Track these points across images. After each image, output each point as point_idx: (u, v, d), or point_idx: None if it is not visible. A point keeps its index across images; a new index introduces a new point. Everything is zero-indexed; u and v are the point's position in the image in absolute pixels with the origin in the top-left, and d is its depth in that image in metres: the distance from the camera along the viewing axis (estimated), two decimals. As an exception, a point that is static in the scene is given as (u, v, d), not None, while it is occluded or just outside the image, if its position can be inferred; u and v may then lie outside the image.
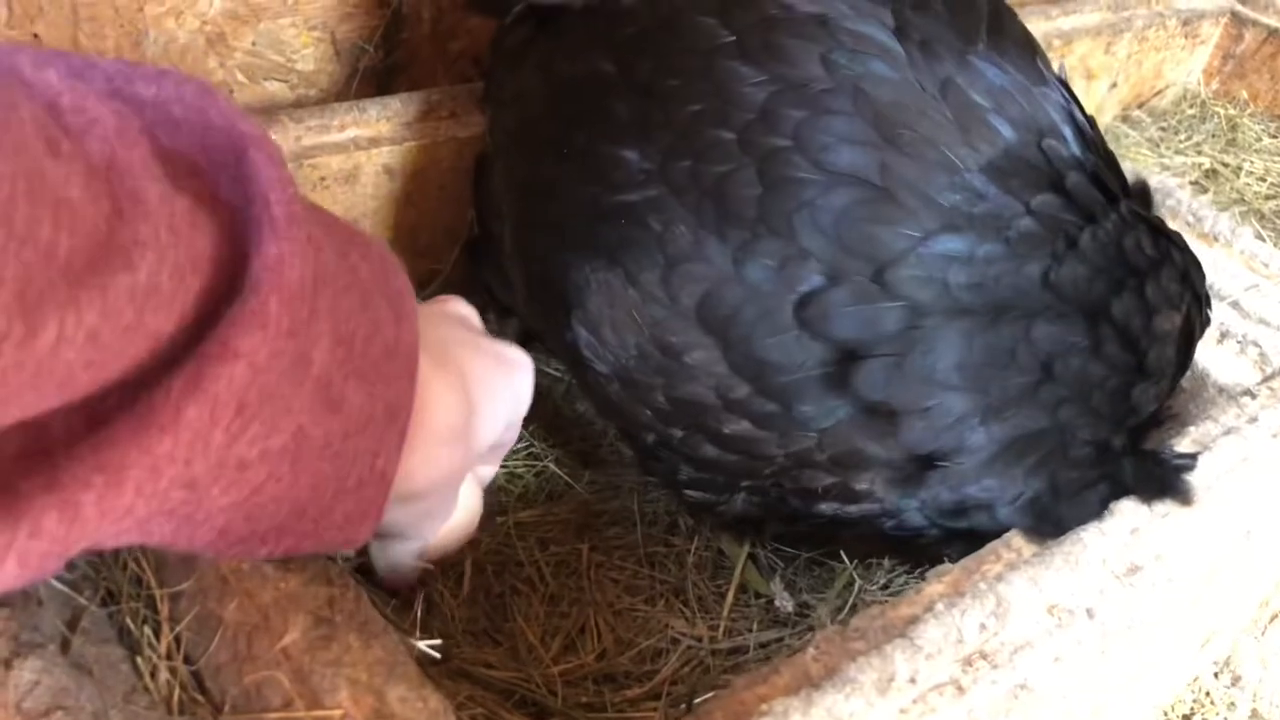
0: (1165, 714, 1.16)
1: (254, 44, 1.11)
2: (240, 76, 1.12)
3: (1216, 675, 1.21)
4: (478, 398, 0.62)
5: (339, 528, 0.54)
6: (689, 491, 0.83)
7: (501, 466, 1.03)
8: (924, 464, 0.76)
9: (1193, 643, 0.98)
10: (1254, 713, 1.19)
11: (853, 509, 0.79)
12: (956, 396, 0.74)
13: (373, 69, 1.20)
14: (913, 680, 0.62)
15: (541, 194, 0.83)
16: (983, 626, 0.66)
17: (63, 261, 0.34)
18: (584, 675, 0.85)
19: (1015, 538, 0.75)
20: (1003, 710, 0.65)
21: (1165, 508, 0.77)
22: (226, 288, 0.42)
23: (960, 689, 0.64)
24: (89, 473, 0.37)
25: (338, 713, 0.53)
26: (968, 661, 0.65)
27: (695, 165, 0.74)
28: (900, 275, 0.72)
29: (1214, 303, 1.00)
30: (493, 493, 1.01)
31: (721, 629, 0.89)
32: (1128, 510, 0.76)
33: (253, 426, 0.43)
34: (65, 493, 0.37)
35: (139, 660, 0.56)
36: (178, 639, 0.57)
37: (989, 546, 0.74)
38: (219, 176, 0.44)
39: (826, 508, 0.79)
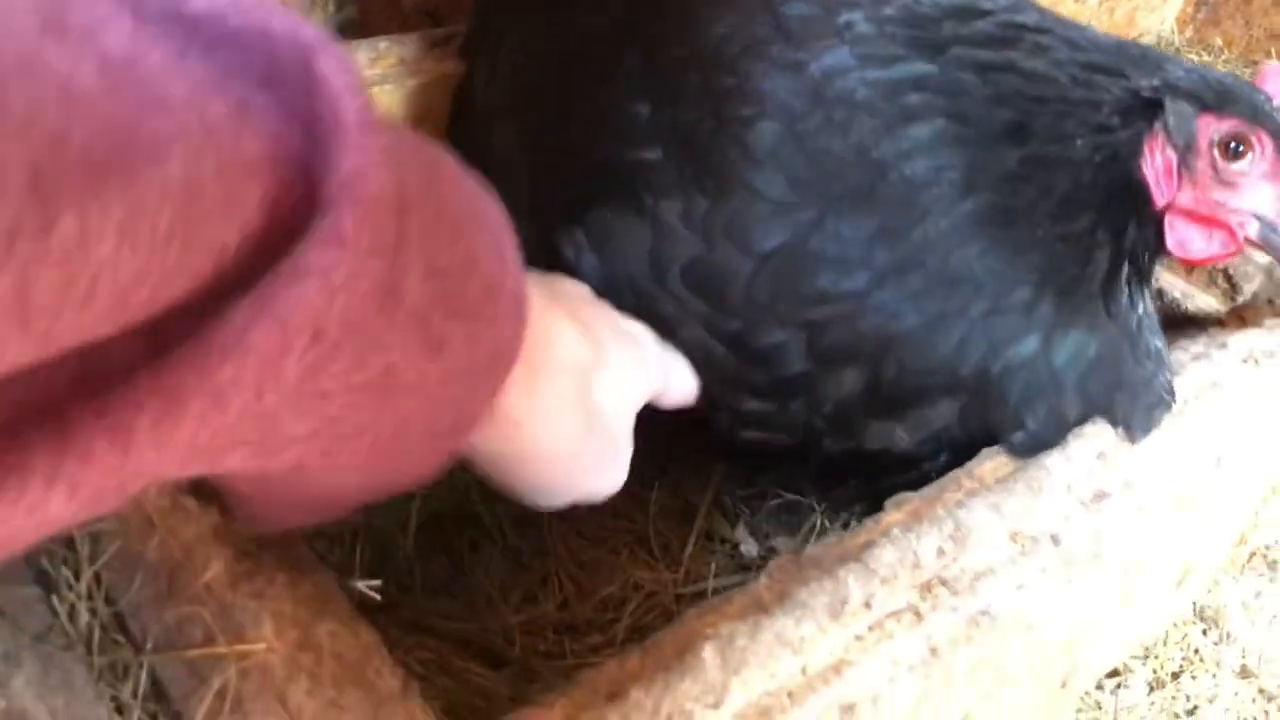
0: (1155, 671, 1.15)
1: None
2: (185, 32, 1.09)
3: (1205, 633, 1.20)
4: (604, 355, 0.60)
5: (415, 466, 0.51)
6: (746, 432, 0.80)
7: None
8: None
9: (1168, 579, 0.96)
10: (1243, 669, 1.18)
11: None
12: None
13: (324, 23, 1.17)
14: (868, 605, 0.60)
15: (553, 147, 0.81)
16: (941, 551, 0.64)
17: (77, 152, 0.31)
18: (544, 625, 0.83)
19: (979, 465, 0.73)
20: (964, 638, 0.63)
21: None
22: (306, 210, 0.39)
23: (918, 615, 0.62)
24: (143, 398, 0.34)
25: (260, 646, 0.51)
26: (926, 588, 0.63)
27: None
28: None
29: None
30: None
31: (684, 574, 0.87)
32: (1093, 435, 0.74)
33: (337, 359, 0.40)
34: (116, 419, 0.34)
35: (55, 600, 0.54)
36: (97, 578, 0.55)
37: (951, 474, 0.71)
38: (285, 88, 0.41)
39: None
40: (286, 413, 0.40)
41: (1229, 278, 0.95)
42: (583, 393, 0.58)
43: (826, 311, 0.71)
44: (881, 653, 0.60)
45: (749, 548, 0.89)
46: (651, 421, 0.66)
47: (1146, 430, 0.75)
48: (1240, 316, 0.91)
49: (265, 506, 0.50)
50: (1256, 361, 0.85)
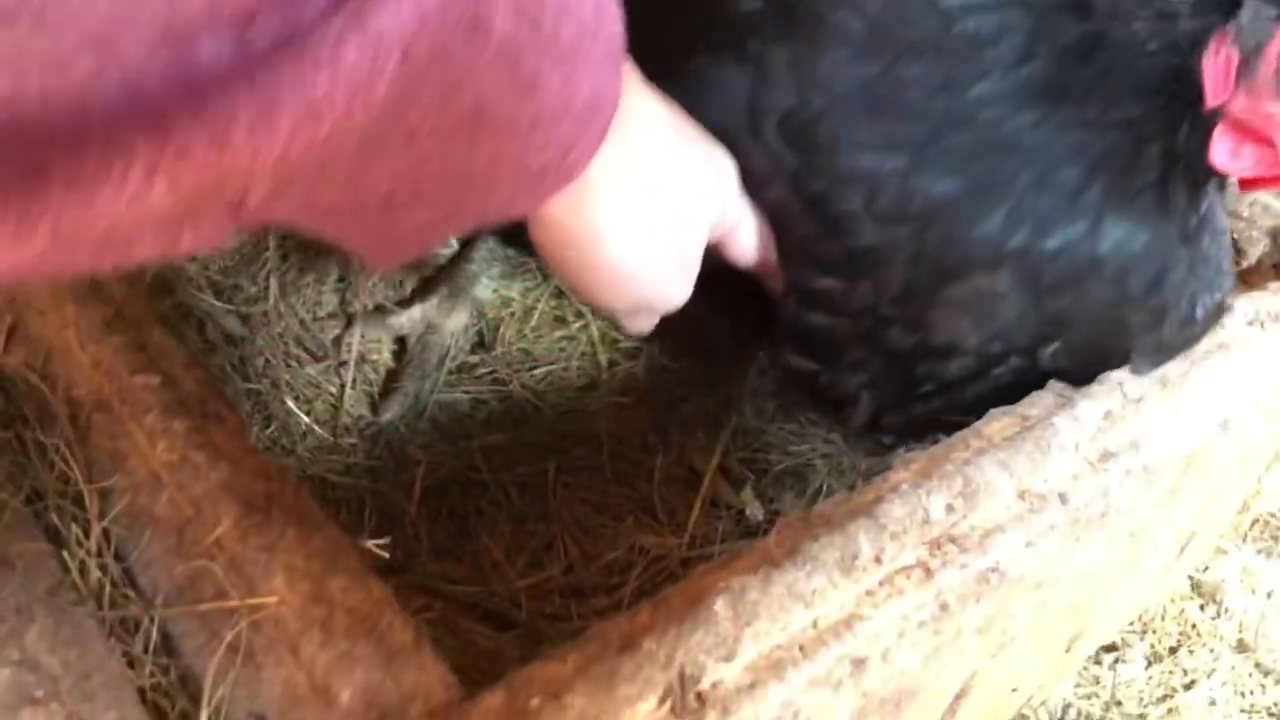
0: (1152, 646, 1.16)
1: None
2: None
3: (1202, 608, 1.20)
4: (688, 151, 0.59)
5: (502, 206, 0.51)
6: (794, 358, 0.80)
7: (465, 392, 1.01)
8: None
9: (1173, 543, 0.96)
10: (1240, 643, 1.19)
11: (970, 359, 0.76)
12: None
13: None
14: (878, 560, 0.60)
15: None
16: (950, 508, 0.64)
17: None
18: (550, 589, 0.83)
19: (987, 425, 0.73)
20: (973, 595, 0.63)
21: (1140, 391, 0.75)
22: None
23: (928, 571, 0.62)
24: (239, 101, 0.35)
25: (272, 599, 0.51)
26: (936, 544, 0.63)
27: None
28: None
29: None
30: (456, 419, 0.99)
31: (689, 539, 0.87)
32: (1101, 395, 0.74)
33: (425, 88, 0.40)
34: (214, 118, 0.34)
35: (66, 555, 0.54)
36: (107, 535, 0.55)
37: (958, 434, 0.71)
38: None
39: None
40: (375, 146, 0.40)
41: (1234, 243, 0.95)
42: (663, 176, 0.58)
43: (887, 165, 0.71)
44: (892, 608, 0.60)
45: (755, 512, 0.89)
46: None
47: (1171, 350, 0.74)
48: (1245, 281, 0.91)
49: (360, 245, 0.50)
50: (1262, 324, 0.84)
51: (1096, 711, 1.09)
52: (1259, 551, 1.25)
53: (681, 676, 0.52)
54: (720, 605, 0.53)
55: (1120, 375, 0.75)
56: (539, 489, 0.93)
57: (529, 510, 0.92)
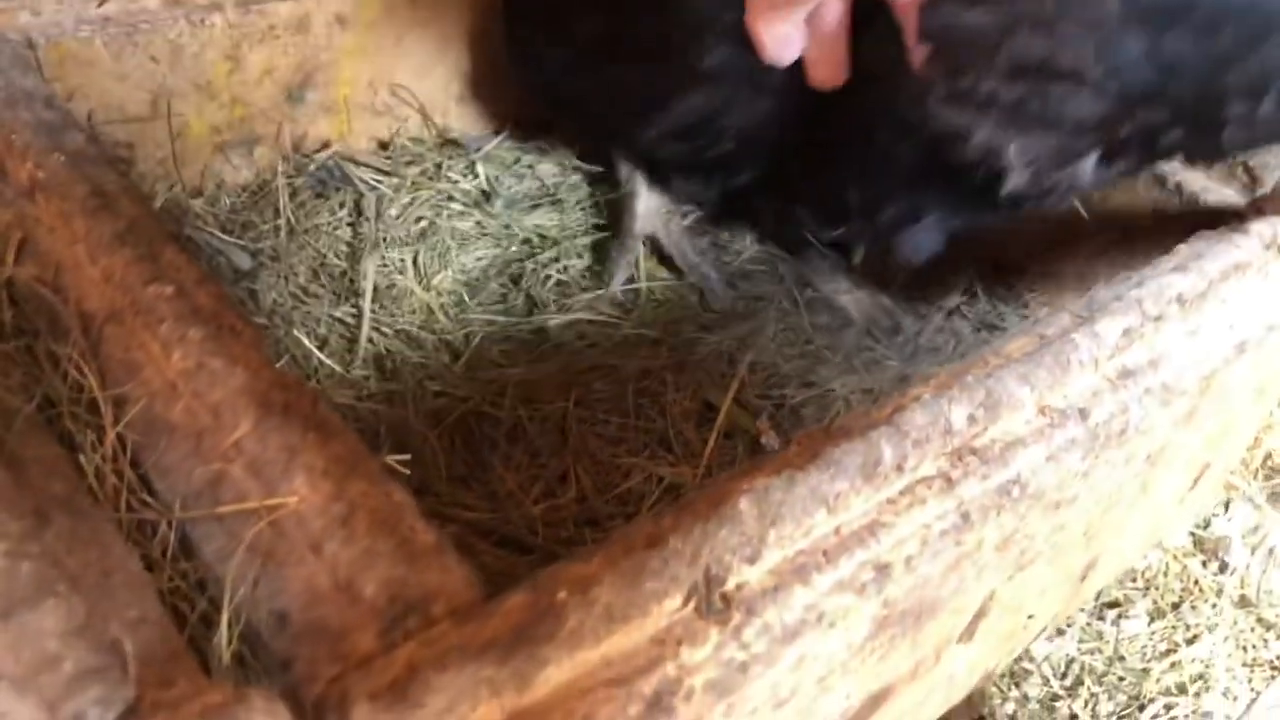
0: (1155, 602, 1.16)
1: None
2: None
3: (1204, 564, 1.21)
4: None
5: None
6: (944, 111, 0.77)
7: (489, 325, 1.00)
8: None
9: (1187, 473, 0.96)
10: (1242, 599, 1.20)
11: None
12: None
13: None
14: (899, 468, 0.59)
15: None
16: (971, 419, 0.63)
17: None
18: (564, 516, 0.83)
19: (1006, 345, 0.72)
20: (994, 506, 0.63)
21: (1158, 309, 0.74)
22: None
23: (950, 481, 0.61)
24: None
25: (293, 499, 0.50)
26: (957, 455, 0.63)
27: None
28: None
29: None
30: (477, 351, 0.98)
31: (704, 468, 0.86)
32: (1119, 312, 0.73)
33: None
34: None
35: (82, 460, 0.53)
36: (122, 441, 0.54)
37: (977, 352, 0.71)
38: None
39: None
40: None
41: (1249, 170, 0.94)
42: None
43: None
44: (914, 516, 0.59)
45: (770, 441, 0.88)
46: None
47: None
48: (1259, 209, 0.90)
49: None
50: (1279, 248, 0.84)
51: (1100, 666, 1.10)
52: (1267, 499, 1.26)
53: (707, 576, 0.52)
54: (745, 504, 0.53)
55: (1139, 293, 0.75)
56: (556, 423, 0.93)
57: (544, 444, 0.91)
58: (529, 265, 1.05)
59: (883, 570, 0.58)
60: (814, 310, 1.05)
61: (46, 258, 0.63)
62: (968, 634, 0.76)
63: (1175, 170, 0.96)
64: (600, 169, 1.12)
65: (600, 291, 1.03)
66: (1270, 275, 0.82)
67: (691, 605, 0.51)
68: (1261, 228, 0.84)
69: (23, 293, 0.62)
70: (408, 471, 0.59)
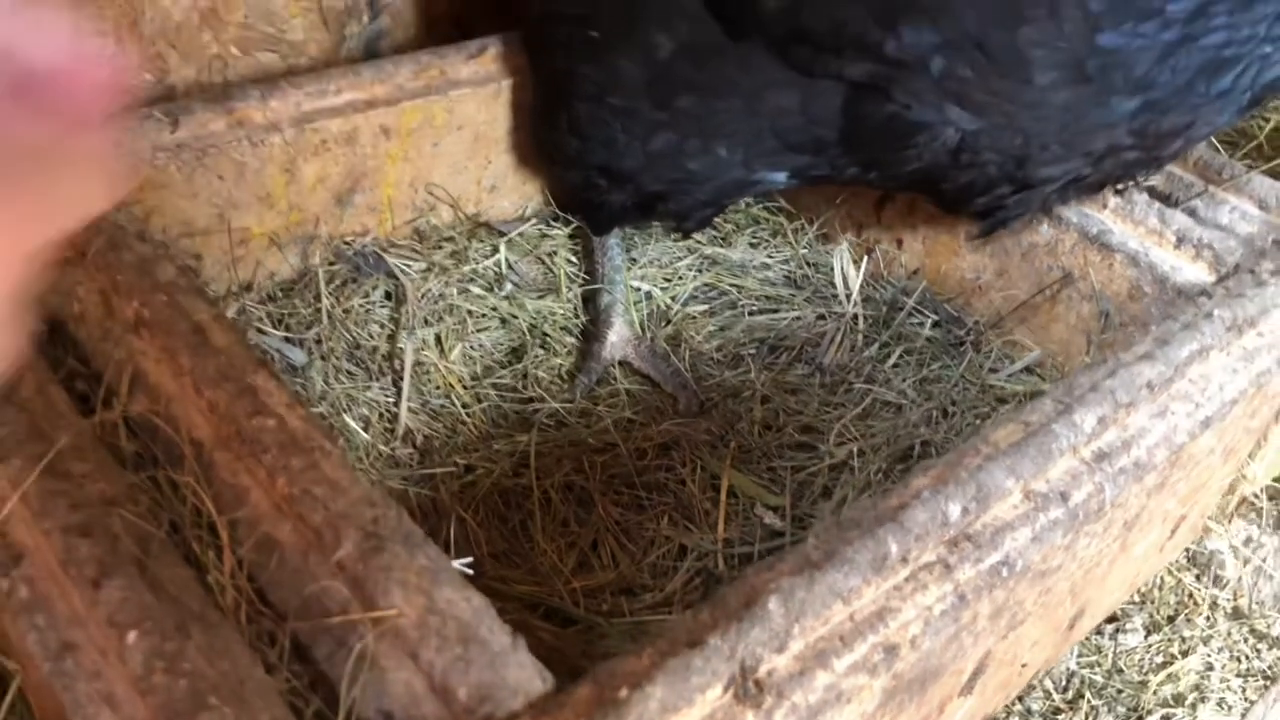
0: (1151, 616, 1.24)
1: (245, 17, 1.15)
2: (234, 50, 1.16)
3: (1198, 578, 1.28)
4: None
5: None
6: None
7: (497, 402, 1.09)
8: None
9: (1163, 527, 1.05)
10: (1235, 610, 1.26)
11: None
12: None
13: (358, 35, 1.24)
14: (904, 560, 0.69)
15: None
16: (965, 510, 0.72)
17: None
18: (602, 588, 0.92)
19: (994, 432, 0.81)
20: (987, 585, 0.72)
21: (1130, 397, 0.83)
22: None
23: (948, 567, 0.71)
24: None
25: (393, 612, 0.60)
26: (953, 543, 0.72)
27: None
28: None
29: (1171, 212, 1.07)
30: (489, 425, 1.07)
31: (722, 539, 0.95)
32: (1094, 402, 0.82)
33: None
34: None
35: (210, 580, 0.62)
36: (239, 560, 0.63)
37: (969, 441, 0.80)
38: None
39: None
40: None
41: (1214, 250, 1.03)
42: None
43: None
44: (917, 600, 0.68)
45: (772, 520, 0.98)
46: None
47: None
48: (1225, 287, 1.00)
49: None
50: (1240, 330, 0.93)
51: (1099, 680, 1.16)
52: (1251, 523, 1.33)
53: (742, 667, 0.61)
54: (774, 604, 0.62)
55: (1111, 383, 0.84)
56: (578, 495, 1.02)
57: (570, 513, 1.01)
58: (530, 349, 1.14)
59: (891, 650, 0.67)
60: (781, 384, 1.14)
61: (156, 391, 0.72)
62: (967, 689, 0.85)
63: (1147, 250, 1.06)
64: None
65: (572, 394, 1.12)
66: (1233, 353, 0.91)
67: (730, 693, 0.61)
68: (1223, 312, 0.93)
69: (139, 424, 0.71)
70: (471, 572, 0.69)
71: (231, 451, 0.68)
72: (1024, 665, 0.98)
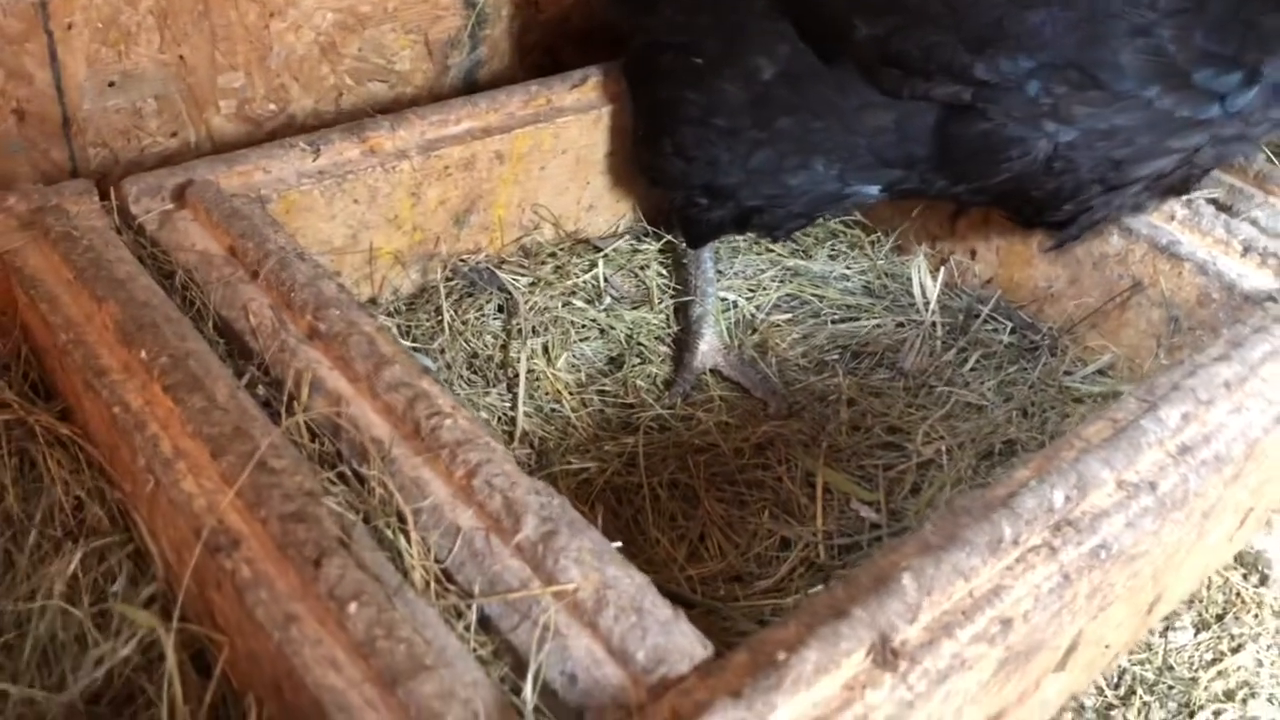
0: (1200, 615, 1.29)
1: (359, 50, 1.24)
2: (348, 80, 1.25)
3: (1245, 577, 1.33)
4: None
5: None
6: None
7: (601, 408, 1.17)
8: None
9: (1234, 517, 1.11)
10: None
11: None
12: None
13: (460, 64, 1.33)
14: (1016, 542, 0.76)
15: None
16: (1068, 498, 0.79)
17: None
18: (714, 576, 0.99)
19: (1086, 428, 0.88)
20: (1087, 566, 0.79)
21: (1210, 395, 0.90)
22: None
23: (1053, 550, 0.78)
24: None
25: (571, 586, 0.67)
26: (1057, 528, 0.79)
27: None
28: None
29: (1235, 222, 1.14)
30: (596, 429, 1.15)
31: (822, 531, 1.03)
32: (1177, 400, 0.89)
33: None
34: None
35: (403, 559, 0.70)
36: (426, 543, 0.71)
37: (1063, 437, 0.87)
38: None
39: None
40: None
41: (1278, 257, 1.10)
42: None
43: None
44: (1028, 579, 0.76)
45: (868, 513, 1.05)
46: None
47: None
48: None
49: None
50: (1307, 331, 1.00)
51: (1150, 676, 1.20)
52: None
53: (881, 635, 0.68)
54: (907, 580, 0.70)
55: (1192, 382, 0.91)
56: (683, 491, 1.10)
57: (678, 509, 1.08)
58: (629, 358, 1.22)
59: (1006, 623, 0.74)
60: (866, 388, 1.22)
61: (332, 395, 0.80)
62: (1061, 665, 0.92)
63: (1214, 258, 1.13)
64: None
65: (670, 401, 1.20)
66: (1302, 354, 0.98)
67: (871, 658, 0.68)
68: (1292, 315, 1.00)
69: (321, 425, 0.79)
70: (621, 544, 0.77)
71: (411, 448, 0.76)
72: (1107, 646, 1.05)
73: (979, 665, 0.73)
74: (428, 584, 0.70)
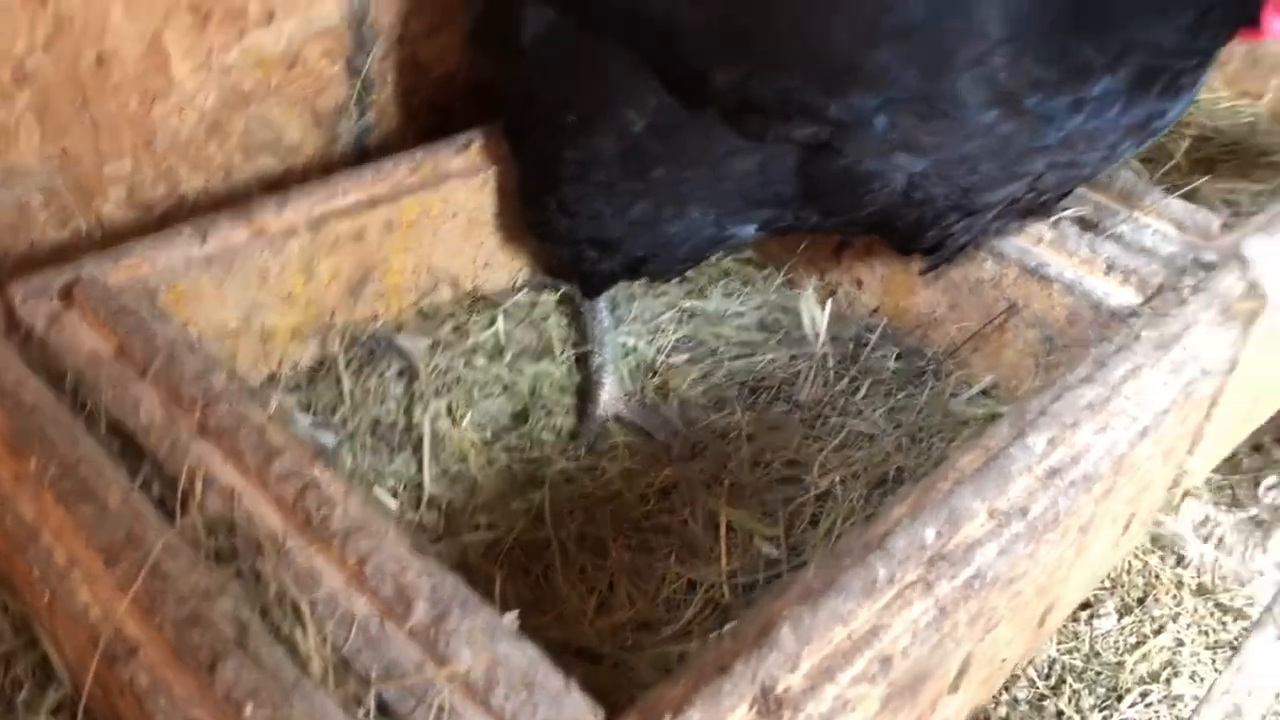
0: (1122, 599, 1.34)
1: (246, 126, 1.25)
2: (237, 157, 1.26)
3: (1162, 559, 1.38)
4: None
5: None
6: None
7: (505, 464, 1.19)
8: None
9: (1114, 526, 1.17)
10: (1200, 587, 1.37)
11: None
12: None
13: (349, 131, 1.35)
14: (891, 581, 0.80)
15: None
16: (939, 534, 0.84)
17: None
18: (622, 624, 1.02)
19: (960, 459, 0.92)
20: (963, 597, 0.83)
21: (1074, 418, 0.95)
22: None
23: (928, 584, 0.82)
24: None
25: (464, 668, 0.70)
26: (931, 563, 0.83)
27: None
28: None
29: (1099, 240, 1.19)
30: (502, 486, 1.17)
31: (726, 571, 1.06)
32: (1044, 425, 0.94)
33: None
34: None
35: (300, 651, 0.72)
36: (322, 633, 0.74)
37: (939, 469, 0.91)
38: None
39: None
40: None
41: (1139, 274, 1.16)
42: None
43: None
44: (904, 616, 0.80)
45: (770, 550, 1.09)
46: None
47: None
48: (1151, 307, 1.12)
49: None
50: (1167, 346, 1.05)
51: (1079, 664, 1.24)
52: (1204, 504, 1.44)
53: (763, 687, 0.72)
54: (785, 630, 0.73)
55: (1058, 407, 0.96)
56: (593, 541, 1.13)
57: (587, 560, 1.11)
58: (534, 411, 1.25)
59: (886, 661, 0.78)
60: (764, 423, 1.26)
61: (225, 490, 0.82)
62: (954, 687, 0.96)
63: (1081, 278, 1.18)
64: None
65: (575, 452, 1.23)
66: (1162, 368, 1.04)
67: (755, 710, 0.71)
68: (1151, 332, 1.06)
69: (213, 520, 0.81)
70: (518, 624, 0.79)
71: (305, 538, 0.78)
72: (1003, 660, 1.10)
73: (862, 704, 0.77)
74: (325, 673, 0.73)
